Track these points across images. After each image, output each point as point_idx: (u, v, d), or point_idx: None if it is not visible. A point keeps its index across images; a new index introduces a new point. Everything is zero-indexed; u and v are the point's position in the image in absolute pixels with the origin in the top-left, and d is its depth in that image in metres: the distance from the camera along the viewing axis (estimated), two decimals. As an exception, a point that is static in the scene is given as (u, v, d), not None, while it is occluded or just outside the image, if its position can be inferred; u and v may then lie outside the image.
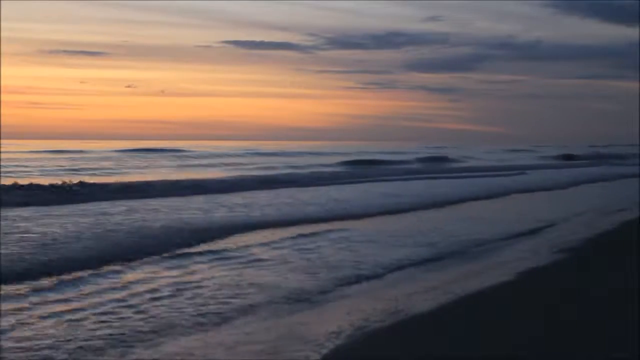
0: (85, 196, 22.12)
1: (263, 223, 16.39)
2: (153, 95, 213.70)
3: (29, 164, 44.11)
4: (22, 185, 23.68)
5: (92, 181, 27.70)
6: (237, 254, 12.41)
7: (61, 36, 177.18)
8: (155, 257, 11.70)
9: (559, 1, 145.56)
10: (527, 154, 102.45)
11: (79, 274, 10.22)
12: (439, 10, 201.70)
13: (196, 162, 55.98)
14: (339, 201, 22.75)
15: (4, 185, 23.49)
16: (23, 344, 6.95)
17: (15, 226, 14.80)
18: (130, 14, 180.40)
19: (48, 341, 7.06)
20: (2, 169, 35.48)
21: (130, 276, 10.29)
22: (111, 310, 8.32)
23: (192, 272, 10.72)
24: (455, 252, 13.03)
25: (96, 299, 8.81)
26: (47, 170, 39.55)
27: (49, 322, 7.77)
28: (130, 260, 11.34)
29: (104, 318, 7.96)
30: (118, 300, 8.78)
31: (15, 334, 7.30)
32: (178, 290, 9.46)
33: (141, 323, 7.80)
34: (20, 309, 8.24)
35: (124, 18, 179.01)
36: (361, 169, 49.20)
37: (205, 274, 10.62)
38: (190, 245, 13.03)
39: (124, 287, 9.56)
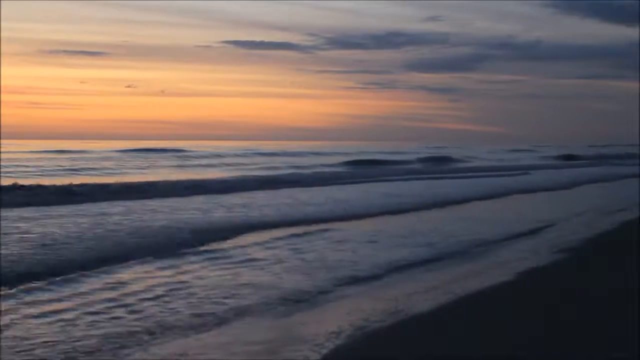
0: (86, 197, 22.09)
1: (265, 223, 16.33)
2: (153, 95, 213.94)
3: (29, 164, 44.10)
4: (23, 186, 23.66)
5: (93, 181, 27.70)
6: (237, 254, 12.41)
7: (61, 36, 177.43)
8: (158, 258, 11.67)
9: (559, 1, 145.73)
10: (528, 154, 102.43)
11: (77, 274, 10.19)
12: (439, 10, 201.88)
13: (198, 162, 55.87)
14: (342, 201, 22.74)
15: (4, 185, 23.48)
16: (15, 343, 6.95)
17: (14, 226, 14.79)
18: (130, 14, 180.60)
19: (40, 341, 7.05)
20: (2, 169, 35.45)
21: (127, 276, 10.26)
22: (106, 310, 8.28)
23: (192, 273, 10.72)
24: (456, 252, 13.02)
25: (91, 300, 8.77)
26: (47, 171, 39.54)
27: (43, 322, 7.76)
28: (128, 261, 11.29)
29: (98, 318, 7.92)
30: (112, 300, 8.75)
31: (9, 333, 7.30)
32: (178, 291, 9.46)
33: (137, 323, 7.78)
34: (16, 309, 8.22)
35: (124, 18, 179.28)
36: (364, 169, 49.09)
37: (204, 274, 10.61)
38: (192, 245, 12.98)
39: (121, 287, 9.53)
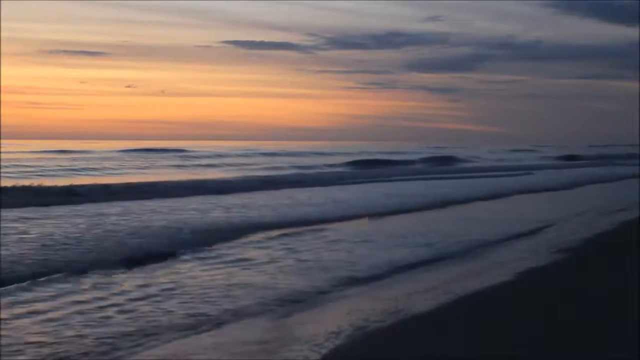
0: (86, 197, 22.06)
1: (267, 224, 16.29)
2: (153, 95, 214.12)
3: (29, 164, 44.07)
4: (23, 186, 23.60)
5: (93, 182, 27.66)
6: (239, 254, 12.42)
7: (61, 36, 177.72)
8: (157, 258, 11.65)
9: (559, 1, 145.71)
10: (529, 154, 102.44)
11: (75, 275, 10.16)
12: (439, 10, 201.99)
13: (199, 162, 55.84)
14: (344, 201, 22.74)
15: (4, 185, 23.45)
16: (7, 343, 6.95)
17: (14, 227, 14.78)
18: (130, 14, 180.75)
19: (32, 341, 7.05)
20: (2, 170, 35.42)
21: (124, 277, 10.25)
22: (100, 311, 8.25)
23: (191, 273, 10.73)
24: (456, 252, 13.03)
25: (87, 301, 8.73)
26: (47, 171, 39.52)
27: (34, 322, 7.75)
28: (126, 261, 11.21)
29: (91, 319, 7.88)
30: (106, 301, 8.74)
31: (3, 333, 7.30)
32: (176, 291, 9.47)
33: (134, 323, 7.79)
34: (10, 311, 8.20)
35: (124, 18, 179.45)
36: (369, 170, 48.90)
37: (202, 275, 10.62)
38: (191, 246, 12.93)
39: (119, 288, 9.50)
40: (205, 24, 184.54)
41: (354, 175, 39.82)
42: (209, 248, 12.87)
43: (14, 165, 41.90)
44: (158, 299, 8.97)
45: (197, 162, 56.01)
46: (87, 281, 9.90)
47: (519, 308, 8.07)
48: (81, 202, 20.92)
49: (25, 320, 7.82)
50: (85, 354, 6.70)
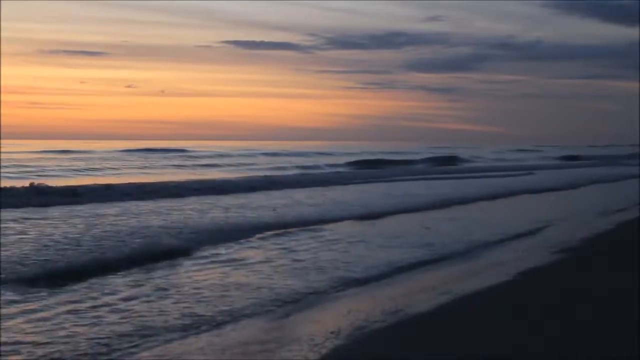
0: (87, 197, 22.00)
1: (271, 224, 16.20)
2: (153, 95, 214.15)
3: (29, 164, 44.06)
4: (23, 186, 23.48)
5: (94, 182, 27.61)
6: (241, 255, 12.42)
7: (61, 36, 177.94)
8: (164, 259, 11.64)
9: (559, 1, 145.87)
10: (531, 154, 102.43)
11: (73, 277, 10.06)
12: (439, 10, 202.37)
13: (201, 162, 55.78)
14: (346, 202, 22.73)
15: (4, 185, 23.41)
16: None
17: (14, 228, 14.77)
18: (130, 14, 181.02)
19: (26, 342, 7.04)
20: (2, 170, 35.39)
21: (121, 278, 10.18)
22: (96, 313, 8.20)
23: (190, 274, 10.72)
24: (456, 252, 13.02)
25: (81, 303, 8.68)
26: (50, 171, 39.49)
27: (31, 323, 7.72)
28: (125, 263, 11.12)
29: (87, 321, 7.85)
30: (104, 303, 8.69)
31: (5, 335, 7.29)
32: (176, 292, 9.47)
33: (132, 324, 7.79)
34: (5, 312, 8.19)
35: (124, 18, 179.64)
36: (372, 170, 48.68)
37: (203, 275, 10.62)
38: (193, 247, 12.89)
39: (115, 289, 9.45)
40: (205, 24, 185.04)
41: (357, 176, 39.76)
42: (209, 248, 12.83)
43: (14, 165, 41.87)
44: (159, 299, 8.97)
45: (198, 162, 55.97)
46: (86, 282, 9.85)
47: (519, 308, 8.06)
48: (81, 202, 20.89)
49: (26, 322, 7.81)
50: (81, 354, 6.69)
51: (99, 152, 69.24)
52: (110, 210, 18.83)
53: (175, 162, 54.34)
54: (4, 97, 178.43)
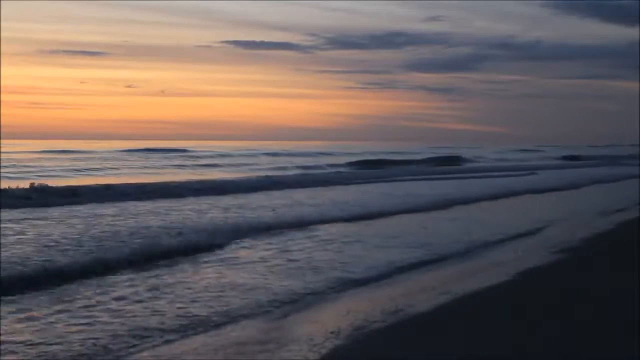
0: (87, 198, 21.92)
1: (272, 225, 16.15)
2: (153, 95, 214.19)
3: (29, 164, 44.05)
4: (23, 187, 23.40)
5: (95, 182, 27.59)
6: (243, 256, 12.42)
7: (61, 36, 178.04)
8: (164, 260, 11.61)
9: (559, 1, 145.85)
10: (532, 154, 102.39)
11: (71, 278, 10.00)
12: (439, 10, 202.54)
13: (202, 162, 55.72)
14: (349, 202, 22.69)
15: (4, 186, 23.35)
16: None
17: (13, 228, 14.75)
18: (130, 14, 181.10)
19: (21, 343, 7.03)
20: (2, 169, 35.36)
21: (118, 280, 10.14)
22: (93, 314, 8.16)
23: (190, 275, 10.73)
24: (456, 252, 13.01)
25: (75, 305, 8.59)
26: (50, 171, 39.47)
27: (27, 325, 7.70)
28: (123, 264, 11.06)
29: (80, 323, 7.81)
30: (100, 304, 8.65)
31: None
32: (175, 293, 9.46)
33: (131, 325, 7.78)
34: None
35: (124, 18, 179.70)
36: (374, 170, 48.47)
37: (202, 276, 10.62)
38: (193, 249, 12.81)
39: (112, 291, 9.41)
40: (205, 24, 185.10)
41: (358, 176, 39.68)
42: (210, 249, 12.81)
43: (14, 165, 41.85)
44: (155, 299, 8.96)
45: (198, 162, 55.89)
46: (84, 283, 9.81)
47: (519, 308, 8.06)
48: (81, 202, 20.83)
49: (20, 323, 7.79)
50: (77, 355, 6.67)
51: (99, 152, 69.14)
52: (110, 210, 18.79)
53: (176, 162, 54.25)
54: (4, 97, 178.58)
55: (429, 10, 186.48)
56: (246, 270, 10.97)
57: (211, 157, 64.29)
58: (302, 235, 14.91)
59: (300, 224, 16.43)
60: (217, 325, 7.83)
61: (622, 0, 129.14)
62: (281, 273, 10.78)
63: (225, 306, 8.64)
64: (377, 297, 9.19)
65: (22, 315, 8.02)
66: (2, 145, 64.73)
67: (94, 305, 8.56)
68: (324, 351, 6.61)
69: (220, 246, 13.07)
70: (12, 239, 13.09)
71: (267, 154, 73.27)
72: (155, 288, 9.57)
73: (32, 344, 6.96)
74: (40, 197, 21.23)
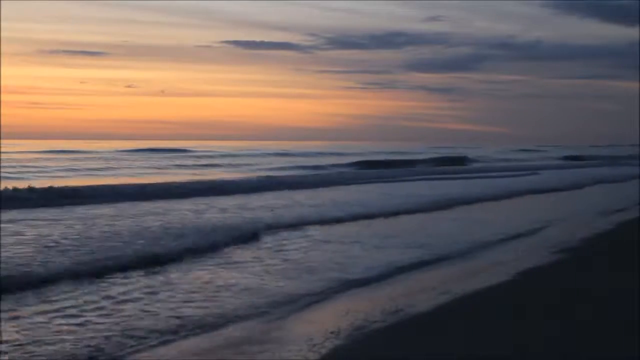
0: (86, 198, 21.89)
1: (273, 225, 16.10)
2: (153, 95, 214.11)
3: (29, 164, 44.03)
4: (22, 187, 23.35)
5: (95, 183, 27.58)
6: (242, 256, 12.41)
7: (61, 36, 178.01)
8: (164, 261, 11.53)
9: (559, 1, 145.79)
10: (534, 154, 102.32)
11: (69, 280, 9.92)
12: (439, 10, 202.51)
13: (204, 162, 55.62)
14: (352, 202, 22.69)
15: (4, 186, 23.30)
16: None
17: (13, 228, 14.73)
18: (130, 14, 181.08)
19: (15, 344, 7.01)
20: (2, 170, 35.31)
21: (115, 281, 10.05)
22: (88, 315, 8.09)
23: (189, 275, 10.72)
24: (456, 252, 13.00)
25: (69, 307, 8.50)
26: (50, 171, 39.46)
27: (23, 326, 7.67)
28: (121, 265, 10.92)
29: (72, 323, 7.77)
30: (96, 305, 8.58)
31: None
32: (175, 294, 9.46)
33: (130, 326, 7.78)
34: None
35: (124, 18, 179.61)
36: (378, 170, 48.17)
37: (201, 277, 10.60)
38: (193, 250, 12.81)
39: (108, 292, 9.35)
40: (205, 24, 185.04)
41: (361, 176, 39.59)
42: (210, 250, 12.76)
43: (14, 165, 41.82)
44: (152, 301, 8.94)
45: (199, 162, 55.83)
46: (82, 284, 9.76)
47: (519, 308, 8.06)
48: (81, 203, 20.77)
49: (15, 323, 7.77)
50: (73, 356, 6.65)
51: (99, 152, 69.15)
52: (110, 211, 18.78)
53: (177, 162, 54.20)
54: (4, 97, 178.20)
55: (429, 10, 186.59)
56: (246, 271, 10.95)
57: (212, 157, 64.25)
58: (302, 235, 14.90)
59: (301, 224, 16.42)
60: (217, 326, 7.82)
61: (622, 0, 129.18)
62: (279, 274, 10.76)
63: (225, 307, 8.63)
64: (377, 297, 9.19)
65: (11, 315, 7.99)
66: (2, 145, 64.69)
67: (93, 306, 8.56)
68: (324, 351, 6.60)
69: (220, 247, 13.03)
70: (10, 239, 13.05)
71: (268, 154, 73.19)
72: (152, 289, 9.54)
73: (22, 344, 6.94)
74: (40, 197, 21.18)
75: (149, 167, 47.69)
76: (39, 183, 25.92)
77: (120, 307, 8.52)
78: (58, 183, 25.79)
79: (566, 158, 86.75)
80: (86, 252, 11.74)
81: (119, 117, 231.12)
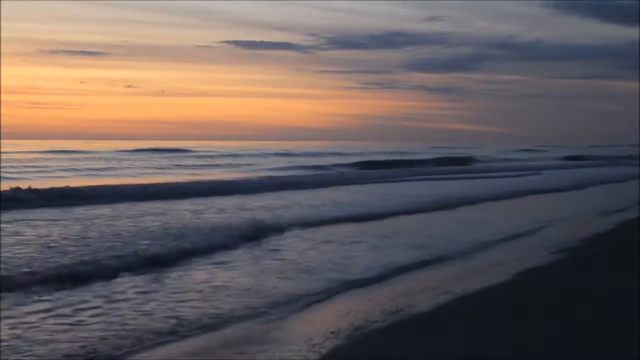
0: (86, 199, 21.82)
1: (273, 225, 16.04)
2: (153, 95, 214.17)
3: (29, 164, 44.01)
4: (22, 187, 23.29)
5: (95, 183, 27.52)
6: (242, 257, 12.42)
7: (61, 36, 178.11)
8: (164, 262, 11.51)
9: (559, 1, 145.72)
10: (535, 154, 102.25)
11: (66, 281, 9.83)
12: (439, 10, 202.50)
13: (204, 162, 55.58)
14: (354, 202, 22.70)
15: (4, 186, 23.27)
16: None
17: (11, 230, 14.72)
18: (130, 14, 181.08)
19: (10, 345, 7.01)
20: (2, 170, 35.29)
21: (113, 281, 10.04)
22: (83, 317, 8.06)
23: (189, 276, 10.72)
24: (456, 252, 13.00)
25: (68, 307, 8.46)
26: (50, 171, 39.46)
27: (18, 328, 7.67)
28: (120, 266, 10.88)
29: (67, 323, 7.75)
30: (92, 305, 8.55)
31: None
32: (174, 295, 9.46)
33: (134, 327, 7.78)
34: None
35: (124, 18, 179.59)
36: (382, 170, 47.91)
37: (202, 278, 10.61)
38: (198, 249, 12.78)
39: (106, 292, 9.30)
40: (205, 24, 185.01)
41: (364, 176, 39.47)
42: (210, 250, 12.75)
43: (14, 165, 41.81)
44: (146, 302, 8.94)
45: (200, 162, 55.80)
46: (81, 285, 9.69)
47: (519, 308, 8.06)
48: (81, 203, 20.73)
49: (11, 325, 7.78)
50: (66, 357, 6.65)
51: (99, 152, 69.07)
52: (111, 211, 18.79)
53: (178, 162, 54.17)
54: (4, 97, 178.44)
55: (429, 10, 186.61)
56: (246, 272, 10.96)
57: (212, 157, 64.23)
58: (302, 235, 14.91)
59: (301, 224, 16.41)
60: (216, 326, 7.82)
61: (622, 0, 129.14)
62: (279, 274, 10.76)
63: (223, 307, 8.63)
64: (377, 297, 9.18)
65: (8, 315, 7.99)
66: (2, 145, 64.68)
67: (95, 307, 8.57)
68: (323, 351, 6.61)
69: (220, 247, 13.02)
70: (10, 240, 13.04)
71: (269, 154, 73.14)
72: (152, 290, 9.55)
73: (21, 345, 6.93)
74: (40, 198, 21.13)
75: (149, 167, 47.64)
76: (39, 183, 25.91)
77: (120, 307, 8.53)
78: (58, 183, 25.79)
79: (567, 158, 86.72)
80: (86, 253, 11.73)
81: (119, 117, 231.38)
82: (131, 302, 8.79)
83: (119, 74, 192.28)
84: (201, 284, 9.88)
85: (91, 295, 9.11)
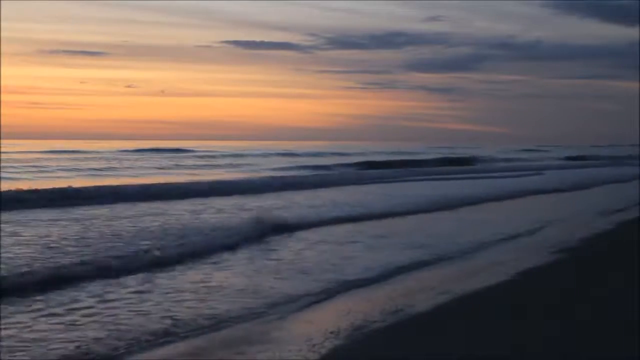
0: (86, 199, 21.79)
1: (276, 225, 16.01)
2: (153, 95, 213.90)
3: (29, 164, 43.99)
4: (22, 188, 23.30)
5: (95, 183, 27.50)
6: (242, 257, 12.42)
7: (61, 36, 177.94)
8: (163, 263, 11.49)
9: (559, 1, 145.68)
10: (536, 154, 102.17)
11: (65, 282, 9.79)
12: (439, 10, 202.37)
13: (205, 162, 55.53)
14: (356, 202, 22.69)
15: (4, 186, 23.27)
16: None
17: (10, 230, 14.72)
18: (130, 14, 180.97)
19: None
20: (2, 170, 35.28)
21: (111, 282, 10.01)
22: (78, 317, 8.06)
23: (188, 277, 10.72)
24: (456, 252, 13.00)
25: (67, 307, 8.47)
26: (50, 171, 39.45)
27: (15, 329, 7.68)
28: (125, 267, 10.89)
29: (65, 323, 7.75)
30: (88, 307, 8.52)
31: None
32: (174, 296, 9.46)
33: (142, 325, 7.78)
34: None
35: (124, 18, 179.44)
36: (385, 170, 47.82)
37: (201, 279, 10.61)
38: (198, 249, 12.81)
39: (103, 293, 9.30)
40: (205, 24, 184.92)
41: (367, 176, 39.44)
42: (209, 250, 12.76)
43: (14, 165, 41.80)
44: (142, 302, 8.94)
45: (200, 162, 55.77)
46: (76, 286, 9.68)
47: (519, 308, 8.06)
48: (81, 203, 20.71)
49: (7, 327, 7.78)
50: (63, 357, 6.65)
51: (99, 152, 68.99)
52: (111, 212, 18.79)
53: (178, 162, 54.11)
54: (4, 97, 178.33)
55: (429, 10, 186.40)
56: (246, 272, 10.97)
57: (213, 157, 64.18)
58: (302, 236, 14.91)
59: (302, 225, 16.40)
60: (215, 326, 7.82)
61: (622, 0, 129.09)
62: (278, 274, 10.77)
63: (222, 307, 8.63)
64: (376, 297, 9.19)
65: (6, 316, 8.00)
66: (2, 145, 64.66)
67: (92, 307, 8.57)
68: (323, 351, 6.61)
69: (219, 248, 13.02)
70: (10, 240, 13.03)
71: (270, 154, 73.11)
72: (150, 290, 9.53)
73: (21, 345, 6.93)
74: (40, 198, 21.12)
75: (150, 167, 47.61)
76: (40, 183, 25.90)
77: (120, 307, 8.54)
78: (58, 183, 25.78)
79: (568, 158, 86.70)
80: (86, 254, 11.72)
81: (119, 117, 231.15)
82: (131, 302, 8.80)
83: (119, 74, 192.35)
84: (198, 285, 9.88)
85: (91, 295, 9.11)
